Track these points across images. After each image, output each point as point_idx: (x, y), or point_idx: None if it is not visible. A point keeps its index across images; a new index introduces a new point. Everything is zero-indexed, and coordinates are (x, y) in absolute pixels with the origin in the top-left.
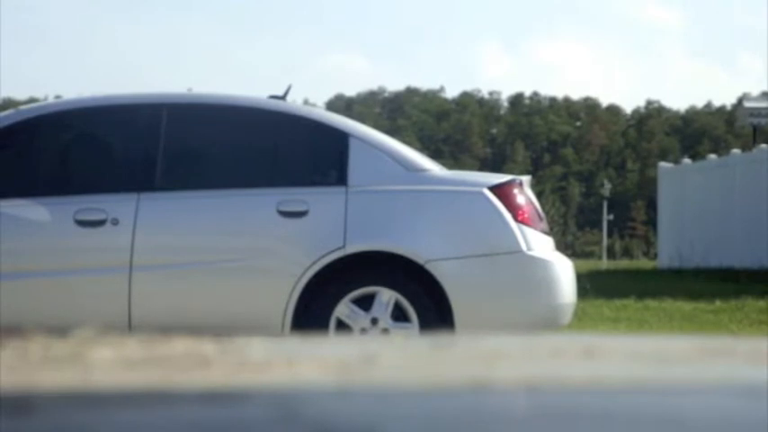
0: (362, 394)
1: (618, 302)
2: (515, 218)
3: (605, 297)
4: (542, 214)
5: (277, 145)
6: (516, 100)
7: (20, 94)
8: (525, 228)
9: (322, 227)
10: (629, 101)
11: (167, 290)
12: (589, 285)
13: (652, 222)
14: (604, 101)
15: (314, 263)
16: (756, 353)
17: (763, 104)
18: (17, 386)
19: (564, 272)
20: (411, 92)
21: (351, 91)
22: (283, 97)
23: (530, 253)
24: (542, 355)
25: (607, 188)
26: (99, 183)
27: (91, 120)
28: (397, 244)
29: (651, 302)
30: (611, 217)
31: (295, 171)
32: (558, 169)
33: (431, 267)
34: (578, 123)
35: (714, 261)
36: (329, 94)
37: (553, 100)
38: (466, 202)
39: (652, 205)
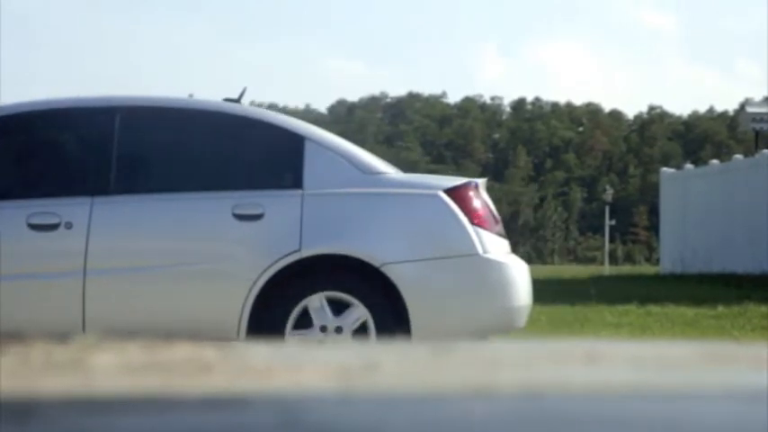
0: (364, 400)
1: (620, 308)
2: (471, 221)
3: (607, 302)
4: (498, 217)
5: (232, 148)
6: (518, 105)
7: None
8: (481, 230)
9: (278, 230)
10: (632, 106)
11: (122, 294)
12: (592, 291)
13: (654, 228)
14: (606, 106)
15: (270, 266)
16: (759, 358)
17: (765, 110)
18: (18, 392)
19: (519, 274)
20: (413, 97)
21: (353, 96)
22: (238, 100)
23: (485, 256)
24: (544, 361)
25: (609, 193)
26: (53, 186)
27: (44, 123)
28: (353, 247)
29: (653, 308)
30: (614, 222)
31: (250, 174)
32: (560, 174)
33: (387, 270)
34: (580, 128)
35: (716, 266)
36: (331, 99)
37: (555, 105)
38: (422, 205)
39: (654, 210)
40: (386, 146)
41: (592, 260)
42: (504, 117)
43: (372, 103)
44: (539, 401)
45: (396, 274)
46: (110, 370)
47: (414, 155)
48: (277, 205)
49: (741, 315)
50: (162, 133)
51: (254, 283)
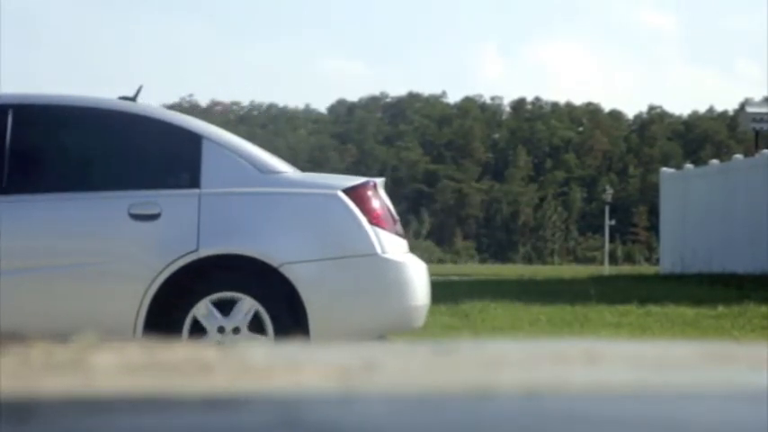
0: (364, 400)
1: (620, 308)
2: (369, 220)
3: (607, 302)
4: (396, 216)
5: (128, 147)
6: (518, 105)
7: None
8: (379, 230)
9: (175, 230)
10: (632, 106)
11: (18, 294)
12: (592, 291)
13: (654, 228)
14: (606, 106)
15: (167, 266)
16: (759, 358)
17: (765, 110)
18: (19, 392)
19: (417, 274)
20: (413, 97)
21: (353, 96)
22: (134, 98)
23: (384, 255)
24: (544, 361)
25: (609, 193)
26: None
27: None
28: (251, 247)
29: (653, 308)
30: (613, 222)
31: (147, 173)
32: (560, 174)
33: (285, 270)
34: (580, 128)
35: (716, 266)
36: (331, 99)
37: (555, 105)
38: (320, 205)
39: (654, 211)
40: (386, 146)
41: (592, 260)
42: (503, 117)
43: (372, 103)
44: (539, 401)
45: (294, 273)
46: (110, 370)
47: (414, 155)
48: (174, 205)
49: (741, 315)
50: (57, 132)
51: (152, 283)
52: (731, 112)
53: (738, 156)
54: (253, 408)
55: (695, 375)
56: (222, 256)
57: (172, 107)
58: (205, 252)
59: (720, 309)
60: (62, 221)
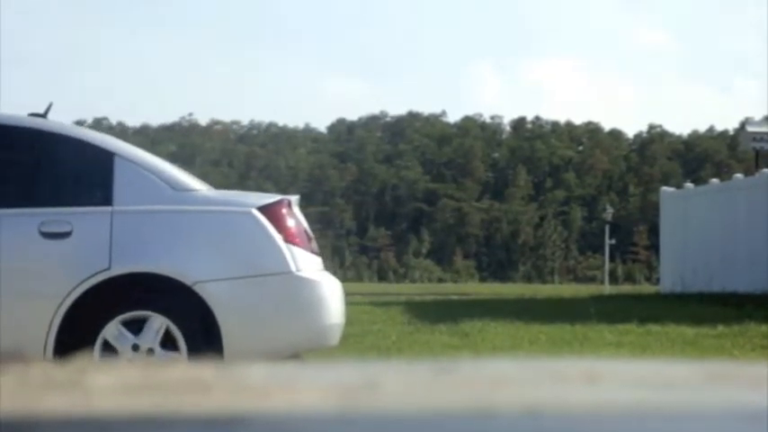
0: (363, 420)
1: (620, 327)
2: (284, 238)
3: (607, 322)
4: (311, 234)
5: (38, 164)
6: (518, 124)
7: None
8: (294, 248)
9: (86, 248)
10: (632, 125)
11: None
12: (592, 310)
13: (654, 247)
14: (606, 125)
15: (78, 285)
16: (759, 378)
17: (765, 129)
18: (18, 411)
19: (332, 292)
20: (413, 116)
21: (352, 115)
22: (44, 115)
23: (298, 273)
24: (544, 380)
25: (609, 212)
26: None
27: None
28: (164, 265)
29: (653, 327)
30: (614, 241)
31: (58, 191)
32: (560, 193)
33: (198, 289)
34: (580, 148)
35: (717, 286)
36: (331, 118)
37: (555, 124)
38: (234, 223)
39: (654, 230)
40: (385, 165)
41: (592, 279)
42: (503, 136)
43: (372, 122)
44: (539, 421)
45: (207, 292)
46: (108, 390)
47: (413, 174)
48: (85, 222)
49: (741, 334)
50: None
51: (62, 302)
52: (731, 132)
53: (739, 175)
54: (250, 428)
55: (695, 395)
56: (135, 274)
57: (171, 126)
58: (118, 270)
59: (720, 328)
60: None
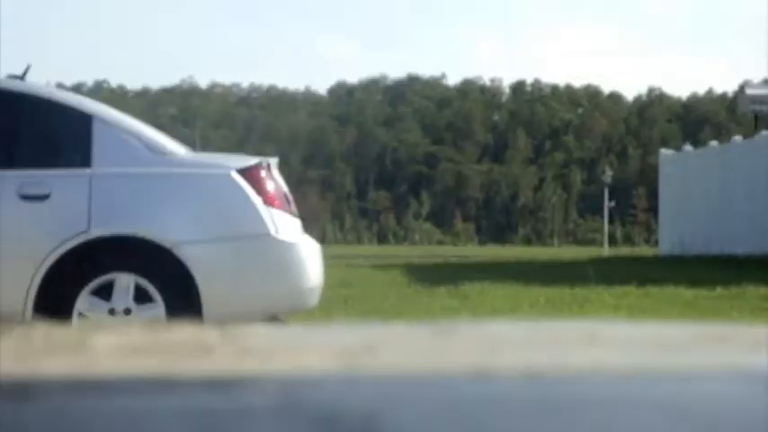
0: (365, 381)
1: (619, 289)
2: (263, 200)
3: (606, 284)
4: (290, 197)
5: (16, 127)
6: (518, 87)
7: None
8: (273, 210)
9: (65, 210)
10: (631, 88)
11: None
12: (591, 272)
13: (653, 209)
14: (606, 88)
15: (56, 247)
16: (757, 340)
17: (764, 91)
18: (20, 373)
19: (311, 255)
20: (412, 79)
21: (352, 78)
22: (22, 77)
23: (277, 236)
24: (544, 342)
25: (608, 175)
26: None
27: None
28: (143, 227)
29: (652, 289)
30: (613, 204)
31: (36, 153)
32: (560, 156)
33: (178, 251)
34: (580, 110)
35: (715, 248)
36: (331, 81)
37: (554, 87)
38: (213, 185)
39: (653, 192)
40: (385, 128)
41: (591, 242)
42: (503, 99)
43: (372, 85)
44: (538, 383)
45: (187, 255)
46: (111, 351)
47: (413, 137)
48: (64, 185)
49: (739, 296)
50: None
51: (41, 264)
52: (730, 94)
53: (737, 137)
54: (254, 389)
55: (693, 356)
56: (114, 237)
57: (171, 89)
58: (96, 233)
59: (719, 290)
60: None
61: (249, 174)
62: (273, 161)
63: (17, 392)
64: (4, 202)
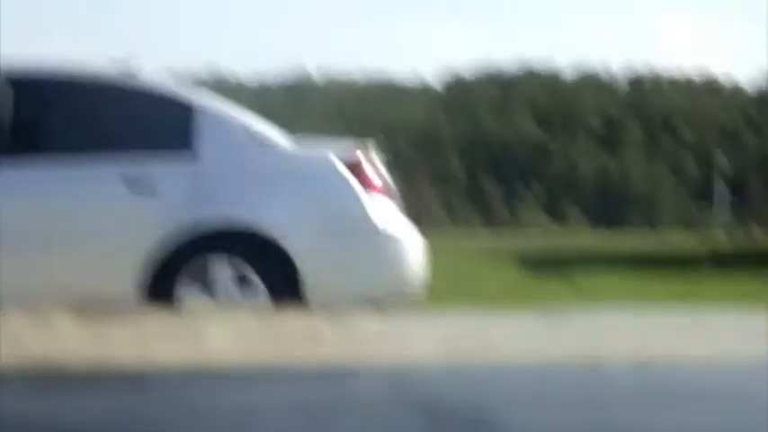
0: (473, 369)
1: (735, 279)
2: (366, 189)
3: (722, 274)
4: (393, 185)
5: (123, 118)
6: (632, 77)
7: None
8: (375, 197)
9: (171, 202)
10: (749, 78)
11: (11, 266)
12: (705, 262)
13: None
14: (723, 76)
15: (163, 239)
16: None
17: None
18: (134, 360)
19: (415, 242)
20: (526, 71)
21: (465, 70)
22: (125, 65)
23: (379, 223)
24: (654, 331)
25: (724, 163)
26: None
27: None
28: (248, 219)
29: None
30: (729, 193)
31: (143, 145)
32: (674, 144)
33: (282, 242)
34: (695, 100)
35: None
36: (443, 72)
37: (670, 77)
38: (318, 175)
39: None
40: (498, 118)
41: (706, 232)
42: (617, 89)
43: (485, 76)
44: (647, 371)
45: (291, 245)
46: (223, 339)
47: (526, 128)
48: (171, 177)
49: None
50: (53, 100)
51: (148, 255)
52: None
53: None
54: (362, 377)
55: None
56: (220, 228)
57: (283, 80)
58: (203, 225)
59: None
60: (57, 194)
61: (350, 161)
62: (375, 148)
63: (131, 380)
64: (113, 196)
